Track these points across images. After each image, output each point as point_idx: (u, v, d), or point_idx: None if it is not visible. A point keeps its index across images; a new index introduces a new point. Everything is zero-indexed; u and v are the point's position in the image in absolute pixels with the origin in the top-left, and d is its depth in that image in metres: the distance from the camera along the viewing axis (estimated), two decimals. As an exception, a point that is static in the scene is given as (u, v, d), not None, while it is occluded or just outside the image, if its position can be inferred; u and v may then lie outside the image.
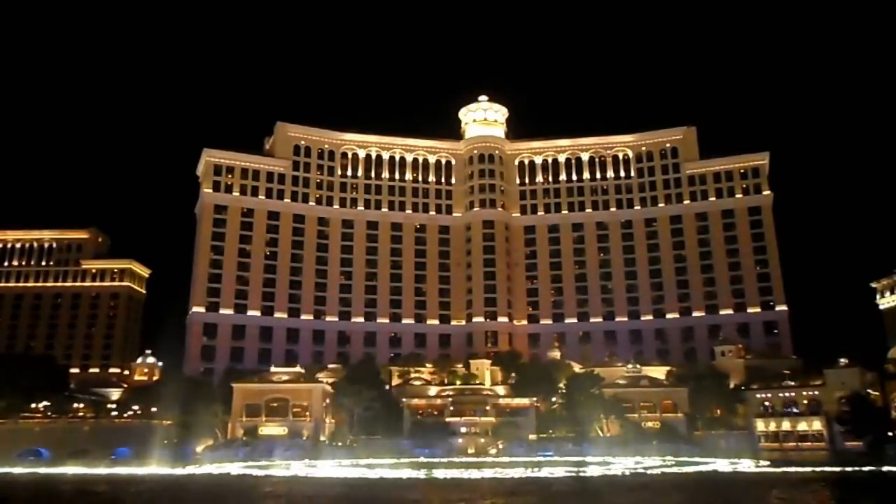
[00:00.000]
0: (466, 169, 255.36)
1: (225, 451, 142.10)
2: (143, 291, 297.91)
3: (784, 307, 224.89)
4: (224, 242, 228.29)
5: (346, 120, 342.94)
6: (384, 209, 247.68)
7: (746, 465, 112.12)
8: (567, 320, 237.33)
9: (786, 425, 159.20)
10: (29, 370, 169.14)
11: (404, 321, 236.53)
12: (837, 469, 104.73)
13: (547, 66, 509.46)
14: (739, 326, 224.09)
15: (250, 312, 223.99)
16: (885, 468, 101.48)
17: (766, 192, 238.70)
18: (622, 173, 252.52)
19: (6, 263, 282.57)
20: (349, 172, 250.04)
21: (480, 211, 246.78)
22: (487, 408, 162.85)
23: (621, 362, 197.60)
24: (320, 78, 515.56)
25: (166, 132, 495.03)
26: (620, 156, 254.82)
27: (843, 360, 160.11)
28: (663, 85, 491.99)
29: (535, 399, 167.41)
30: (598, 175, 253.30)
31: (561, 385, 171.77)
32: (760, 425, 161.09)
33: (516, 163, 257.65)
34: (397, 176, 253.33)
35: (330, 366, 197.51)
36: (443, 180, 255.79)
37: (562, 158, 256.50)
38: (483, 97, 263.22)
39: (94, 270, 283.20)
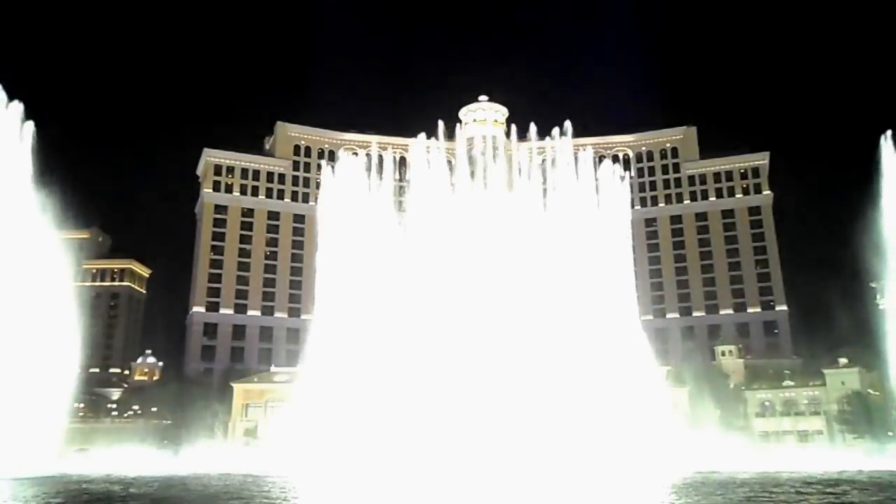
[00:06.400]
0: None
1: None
2: (143, 291, 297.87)
3: (784, 307, 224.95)
4: (224, 242, 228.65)
5: (346, 120, 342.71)
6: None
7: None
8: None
9: (786, 425, 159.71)
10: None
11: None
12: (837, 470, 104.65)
13: (547, 66, 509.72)
14: (739, 326, 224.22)
15: (250, 312, 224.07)
16: (886, 468, 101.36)
17: (766, 192, 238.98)
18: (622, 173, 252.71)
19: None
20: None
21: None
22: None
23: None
24: (321, 78, 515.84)
25: (166, 132, 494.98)
26: (620, 156, 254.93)
27: (843, 360, 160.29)
28: (663, 85, 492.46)
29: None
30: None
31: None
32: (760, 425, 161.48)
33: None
34: (397, 176, 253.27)
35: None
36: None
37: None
38: (483, 97, 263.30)
39: (94, 270, 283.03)
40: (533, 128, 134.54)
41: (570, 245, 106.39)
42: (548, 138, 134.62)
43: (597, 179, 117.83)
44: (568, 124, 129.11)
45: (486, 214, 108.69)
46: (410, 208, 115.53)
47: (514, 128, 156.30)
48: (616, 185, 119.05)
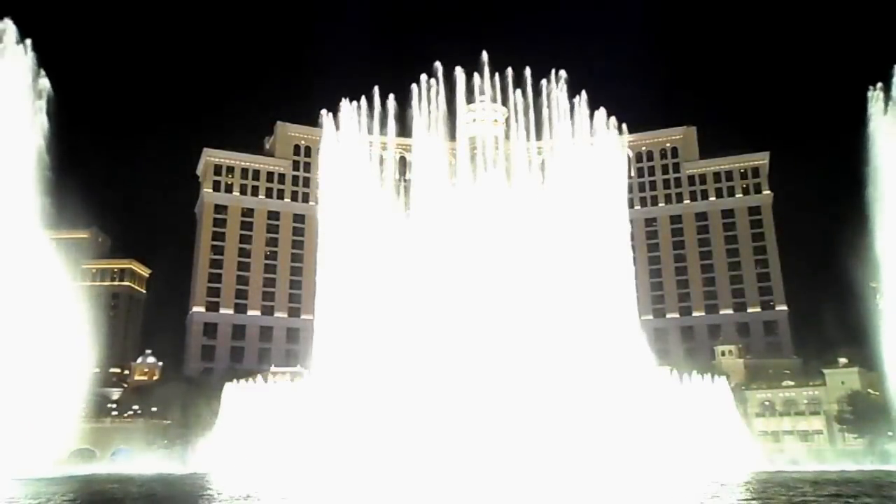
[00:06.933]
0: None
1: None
2: (143, 291, 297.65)
3: (784, 307, 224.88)
4: (224, 242, 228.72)
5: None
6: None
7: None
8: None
9: (786, 425, 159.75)
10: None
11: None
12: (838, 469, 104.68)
13: (545, 66, 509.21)
14: (739, 326, 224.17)
15: (250, 312, 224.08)
16: (885, 467, 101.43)
17: (766, 192, 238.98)
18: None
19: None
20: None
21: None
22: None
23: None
24: (320, 78, 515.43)
25: (166, 132, 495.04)
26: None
27: (842, 360, 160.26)
28: (663, 85, 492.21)
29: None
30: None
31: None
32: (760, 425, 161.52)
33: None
34: (397, 176, 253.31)
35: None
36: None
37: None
38: (483, 97, 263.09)
39: (94, 270, 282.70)
40: (528, 72, 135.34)
41: (569, 245, 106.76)
42: (546, 137, 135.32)
43: (592, 126, 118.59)
44: (563, 73, 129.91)
45: (486, 212, 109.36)
46: (412, 205, 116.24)
47: (514, 128, 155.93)
48: (612, 135, 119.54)
